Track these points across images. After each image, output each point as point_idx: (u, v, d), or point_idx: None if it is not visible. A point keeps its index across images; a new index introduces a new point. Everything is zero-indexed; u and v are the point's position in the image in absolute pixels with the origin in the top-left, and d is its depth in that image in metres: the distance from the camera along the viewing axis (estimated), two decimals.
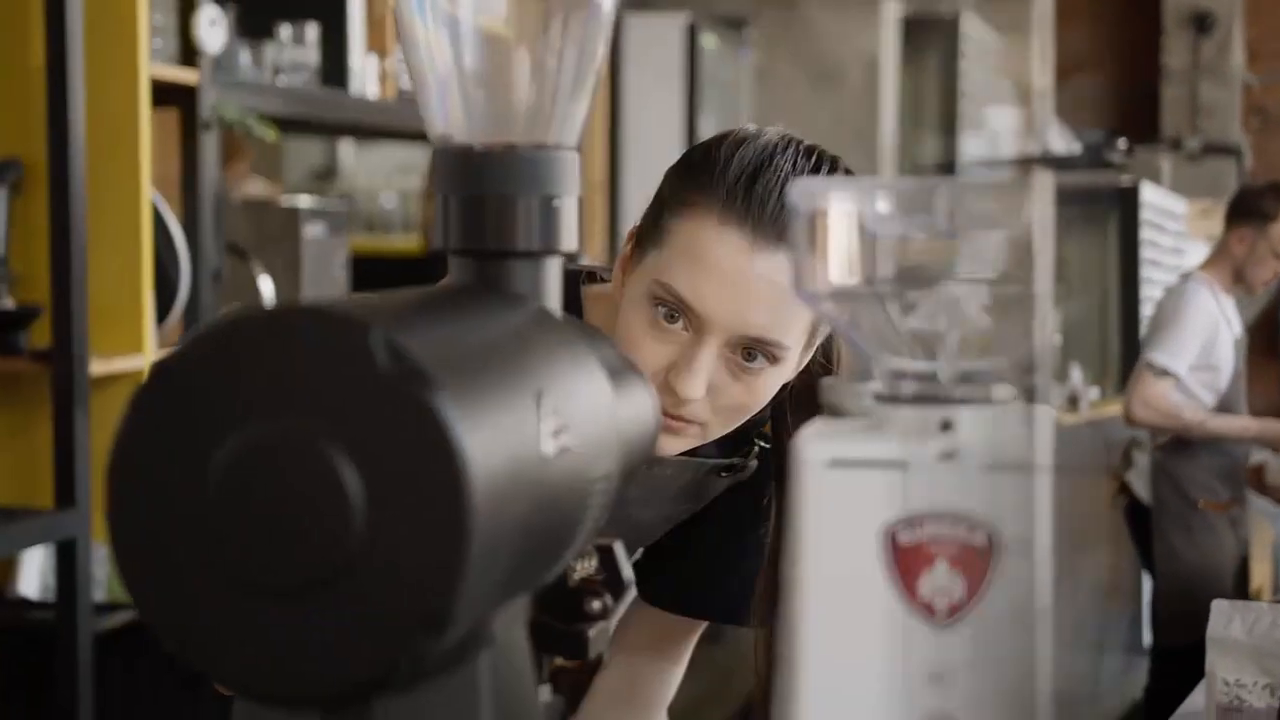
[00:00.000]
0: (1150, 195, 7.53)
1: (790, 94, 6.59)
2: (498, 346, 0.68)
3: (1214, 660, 1.91)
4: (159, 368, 0.61)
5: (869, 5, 6.53)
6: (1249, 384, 4.59)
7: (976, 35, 7.69)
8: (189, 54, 2.87)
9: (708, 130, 6.64)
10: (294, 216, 3.24)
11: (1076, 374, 6.49)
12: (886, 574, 0.66)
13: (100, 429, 2.55)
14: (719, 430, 1.30)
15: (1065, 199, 6.70)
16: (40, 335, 2.60)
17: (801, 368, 1.33)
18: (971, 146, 6.49)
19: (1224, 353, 4.19)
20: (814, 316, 1.28)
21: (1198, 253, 8.61)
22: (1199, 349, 4.15)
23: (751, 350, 1.25)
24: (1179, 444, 4.25)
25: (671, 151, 6.47)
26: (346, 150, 6.35)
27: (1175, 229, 8.03)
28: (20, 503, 2.68)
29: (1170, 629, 4.24)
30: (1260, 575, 7.27)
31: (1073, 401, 6.13)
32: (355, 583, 0.59)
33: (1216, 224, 8.63)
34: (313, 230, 3.25)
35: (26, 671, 2.71)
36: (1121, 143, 7.26)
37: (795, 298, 1.30)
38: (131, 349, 2.67)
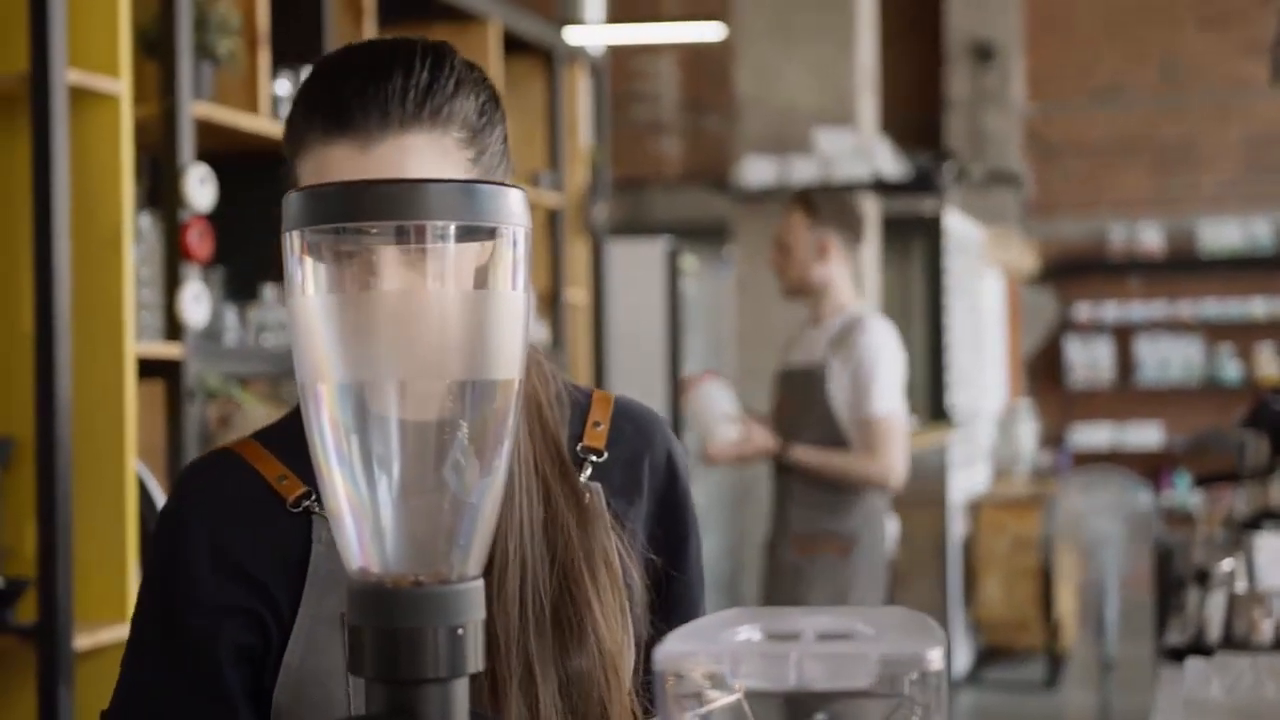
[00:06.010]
0: (952, 223, 7.64)
1: (773, 305, 6.64)
2: None
3: None
4: None
5: None
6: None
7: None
8: (174, 327, 2.98)
9: (693, 346, 6.78)
10: None
11: None
12: None
13: (85, 707, 2.60)
14: None
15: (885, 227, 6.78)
16: (26, 610, 2.66)
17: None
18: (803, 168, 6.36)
19: None
20: None
21: (993, 279, 8.76)
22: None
23: None
24: (782, 472, 3.94)
25: (655, 370, 6.38)
26: None
27: (972, 256, 8.18)
28: None
29: None
30: None
31: None
32: None
33: (1007, 250, 8.75)
34: None
35: None
36: (948, 168, 7.18)
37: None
38: (117, 619, 2.73)
